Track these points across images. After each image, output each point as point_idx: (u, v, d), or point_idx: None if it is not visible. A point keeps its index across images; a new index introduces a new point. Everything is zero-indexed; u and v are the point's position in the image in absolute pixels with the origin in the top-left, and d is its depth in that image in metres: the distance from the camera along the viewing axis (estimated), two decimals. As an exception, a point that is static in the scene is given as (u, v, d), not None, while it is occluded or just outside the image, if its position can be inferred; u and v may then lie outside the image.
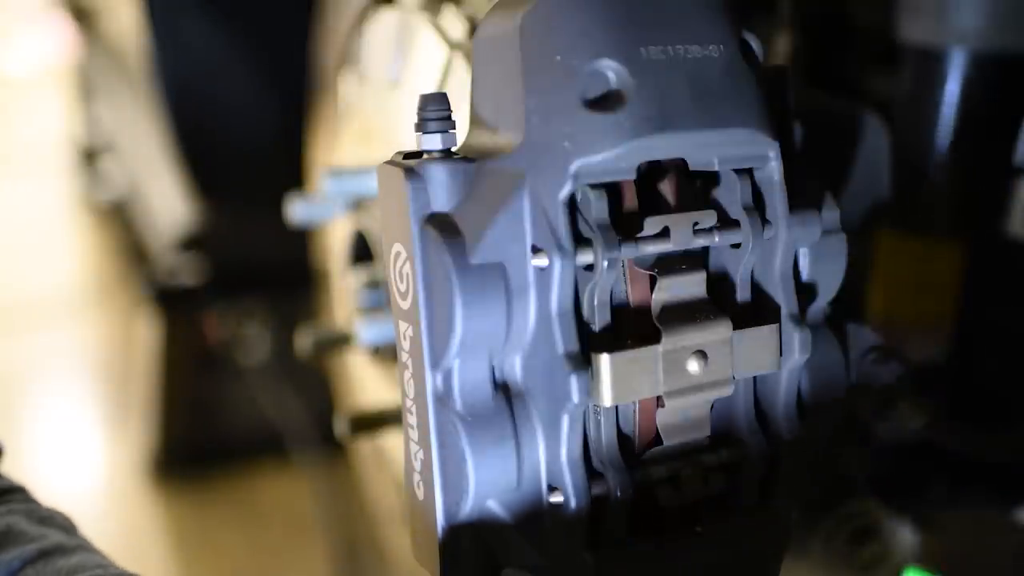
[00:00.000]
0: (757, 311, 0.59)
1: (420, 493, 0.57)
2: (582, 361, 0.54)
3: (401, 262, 0.56)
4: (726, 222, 0.58)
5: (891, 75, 0.96)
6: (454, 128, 0.57)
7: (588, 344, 0.54)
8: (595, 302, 0.55)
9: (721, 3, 0.58)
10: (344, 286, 1.11)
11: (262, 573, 1.85)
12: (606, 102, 0.53)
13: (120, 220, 3.11)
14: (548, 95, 0.54)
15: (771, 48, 1.05)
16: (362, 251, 1.07)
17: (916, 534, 0.90)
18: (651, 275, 0.57)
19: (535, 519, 0.56)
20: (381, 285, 1.02)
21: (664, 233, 0.56)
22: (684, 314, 0.56)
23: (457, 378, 0.55)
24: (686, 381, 0.56)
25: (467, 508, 0.56)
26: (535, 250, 0.54)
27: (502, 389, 0.56)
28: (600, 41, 0.54)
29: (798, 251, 0.61)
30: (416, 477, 0.58)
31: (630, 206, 0.57)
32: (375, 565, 1.62)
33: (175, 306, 2.02)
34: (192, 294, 1.99)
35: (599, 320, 0.55)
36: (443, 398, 0.55)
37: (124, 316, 2.71)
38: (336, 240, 1.13)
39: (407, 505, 0.59)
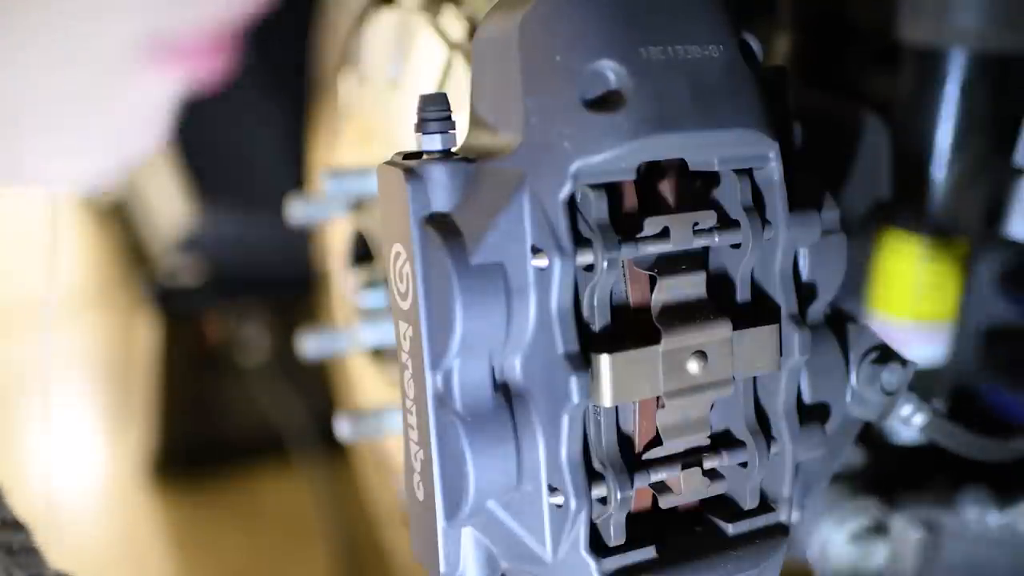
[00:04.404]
0: (757, 311, 0.59)
1: (420, 493, 0.57)
2: (582, 361, 0.54)
3: (401, 262, 0.56)
4: (726, 222, 0.58)
5: (891, 75, 0.96)
6: (454, 128, 0.57)
7: (588, 344, 0.54)
8: (595, 302, 0.55)
9: (721, 3, 0.57)
10: (344, 286, 1.11)
11: (262, 574, 1.85)
12: (606, 102, 0.53)
13: (120, 220, 3.11)
14: (548, 95, 0.54)
15: (771, 48, 1.05)
16: (362, 251, 1.07)
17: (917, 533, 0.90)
18: (651, 275, 0.57)
19: (535, 520, 0.56)
20: (381, 285, 1.02)
21: (664, 233, 0.56)
22: (684, 314, 0.56)
23: (457, 378, 0.55)
24: (686, 381, 0.56)
25: (467, 508, 0.56)
26: (535, 250, 0.53)
27: (502, 389, 0.56)
28: (600, 41, 0.54)
29: (798, 251, 0.61)
30: (416, 477, 0.58)
31: (630, 206, 0.57)
32: (375, 565, 1.62)
33: (175, 306, 2.02)
34: (192, 294, 1.99)
35: (599, 320, 0.55)
36: (443, 398, 0.55)
37: (124, 317, 2.71)
38: (336, 240, 1.13)
39: (407, 505, 0.59)
